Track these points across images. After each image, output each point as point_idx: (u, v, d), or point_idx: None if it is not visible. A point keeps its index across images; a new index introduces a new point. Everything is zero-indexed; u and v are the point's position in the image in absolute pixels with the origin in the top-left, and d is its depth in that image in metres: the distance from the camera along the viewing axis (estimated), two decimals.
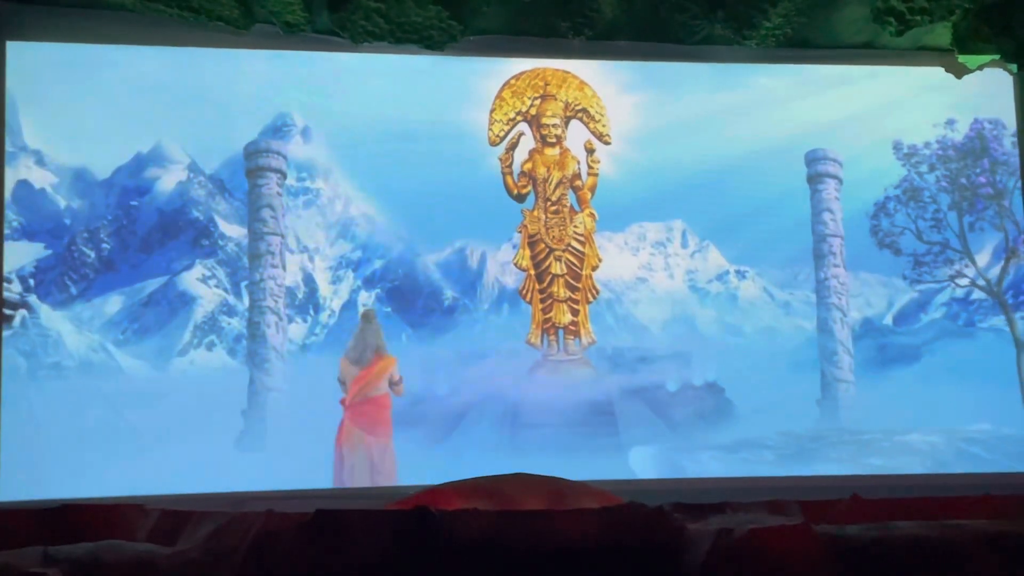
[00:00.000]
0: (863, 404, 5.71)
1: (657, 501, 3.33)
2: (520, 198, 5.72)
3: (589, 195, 5.75)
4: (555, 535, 3.08)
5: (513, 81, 5.73)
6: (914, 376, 5.79)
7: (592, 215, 5.76)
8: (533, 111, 5.75)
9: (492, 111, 5.71)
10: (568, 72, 5.77)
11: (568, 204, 5.75)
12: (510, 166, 5.71)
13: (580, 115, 5.78)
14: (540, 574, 3.06)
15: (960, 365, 5.79)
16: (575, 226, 5.74)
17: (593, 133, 5.78)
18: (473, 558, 3.04)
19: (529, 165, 5.74)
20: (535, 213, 5.72)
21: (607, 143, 5.78)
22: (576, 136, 5.80)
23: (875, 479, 5.22)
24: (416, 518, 3.08)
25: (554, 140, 5.75)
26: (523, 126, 5.75)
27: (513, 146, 5.72)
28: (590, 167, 5.77)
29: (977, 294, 5.89)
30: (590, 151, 5.77)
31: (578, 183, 5.75)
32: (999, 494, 3.70)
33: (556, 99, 5.75)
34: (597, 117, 5.76)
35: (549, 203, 5.73)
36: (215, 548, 3.11)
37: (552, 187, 5.72)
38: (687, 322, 5.81)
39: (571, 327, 5.68)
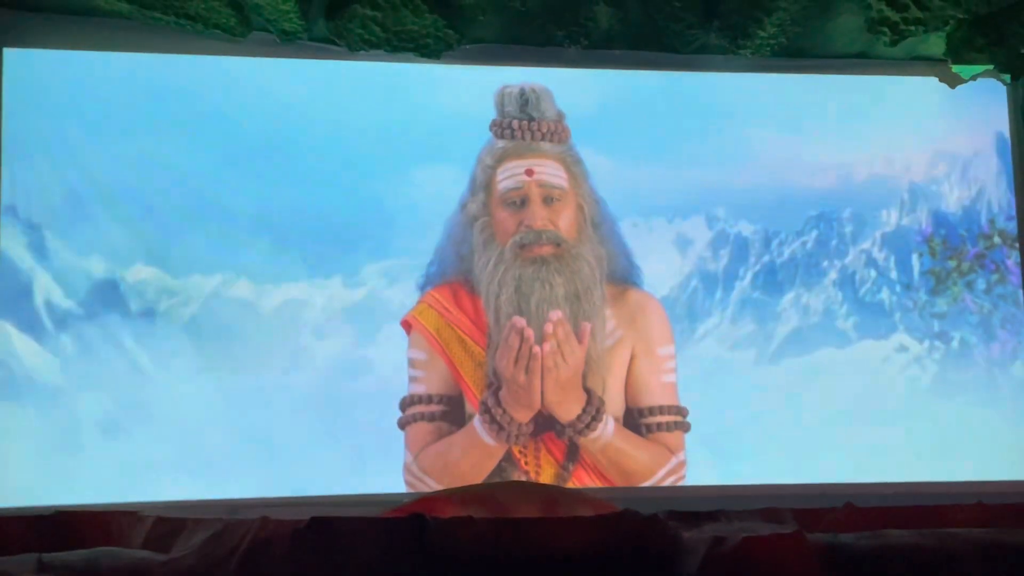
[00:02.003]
0: None
1: (651, 509, 3.35)
2: None
3: None
4: (549, 543, 3.10)
5: None
6: None
7: None
8: None
9: None
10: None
11: None
12: None
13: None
14: None
15: None
16: None
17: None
18: (467, 566, 3.06)
19: None
20: None
21: None
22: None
23: (869, 487, 5.23)
24: (411, 526, 3.09)
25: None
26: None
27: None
28: None
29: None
30: None
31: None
32: (992, 502, 3.73)
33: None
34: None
35: None
36: (210, 555, 3.12)
37: None
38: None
39: None
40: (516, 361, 5.06)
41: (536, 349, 5.07)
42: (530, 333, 5.06)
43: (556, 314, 5.12)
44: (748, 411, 5.46)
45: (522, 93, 5.37)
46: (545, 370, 5.08)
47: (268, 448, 5.12)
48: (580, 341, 5.14)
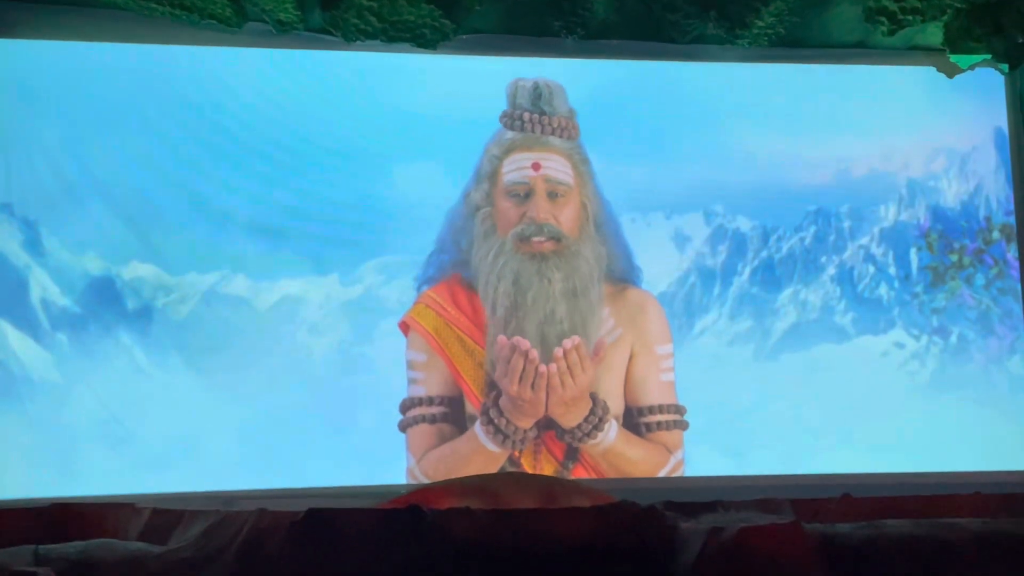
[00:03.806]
0: None
1: (649, 500, 3.34)
2: None
3: None
4: (547, 534, 3.10)
5: None
6: None
7: None
8: None
9: None
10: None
11: None
12: None
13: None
14: (532, 573, 3.07)
15: None
16: None
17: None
18: (465, 557, 3.05)
19: None
20: None
21: None
22: None
23: (866, 477, 5.23)
24: (408, 517, 3.09)
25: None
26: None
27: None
28: None
29: None
30: None
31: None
32: (989, 492, 3.73)
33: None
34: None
35: None
36: (207, 547, 3.12)
37: None
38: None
39: None
40: (521, 380, 5.03)
41: (543, 368, 5.01)
42: (535, 354, 5.03)
43: (571, 340, 5.09)
44: (746, 407, 5.44)
45: (535, 87, 5.35)
46: (551, 388, 5.05)
47: (265, 445, 5.10)
48: (596, 353, 5.11)
